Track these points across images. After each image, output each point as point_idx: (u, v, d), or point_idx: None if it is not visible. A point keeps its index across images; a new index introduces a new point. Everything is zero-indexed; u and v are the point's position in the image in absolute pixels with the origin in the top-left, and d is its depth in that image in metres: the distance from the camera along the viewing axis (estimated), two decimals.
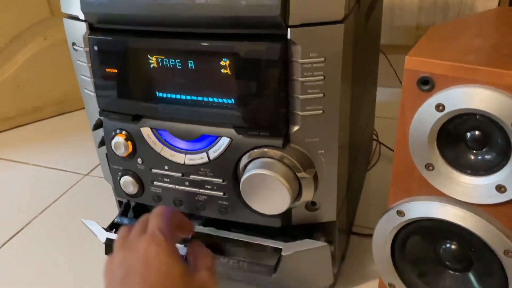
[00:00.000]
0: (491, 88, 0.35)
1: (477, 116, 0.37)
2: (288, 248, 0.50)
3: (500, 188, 0.37)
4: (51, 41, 1.05)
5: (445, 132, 0.39)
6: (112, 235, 0.57)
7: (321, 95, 0.43)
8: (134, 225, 0.47)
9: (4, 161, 0.98)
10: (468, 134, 0.39)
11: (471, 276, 0.45)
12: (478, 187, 0.38)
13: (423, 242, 0.46)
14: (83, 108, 0.56)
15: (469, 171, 0.39)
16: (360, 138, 0.67)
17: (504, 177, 0.37)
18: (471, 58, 0.37)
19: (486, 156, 0.38)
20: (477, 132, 0.38)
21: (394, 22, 1.03)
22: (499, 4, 0.96)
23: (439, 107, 0.38)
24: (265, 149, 0.46)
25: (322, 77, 0.43)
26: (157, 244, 0.40)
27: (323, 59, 0.42)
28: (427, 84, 0.38)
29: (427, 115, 0.39)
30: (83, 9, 0.47)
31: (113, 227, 0.58)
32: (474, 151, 0.39)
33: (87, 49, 0.49)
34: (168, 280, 0.38)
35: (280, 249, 0.50)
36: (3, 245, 0.73)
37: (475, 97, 0.36)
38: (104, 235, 0.57)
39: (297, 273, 0.54)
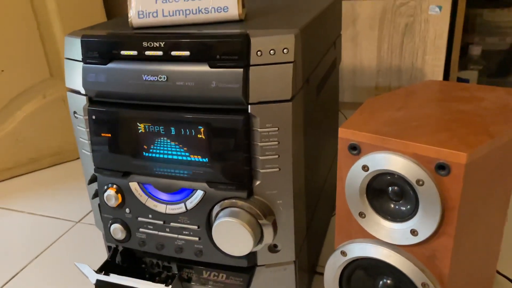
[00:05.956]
0: (399, 154, 0.46)
1: (395, 175, 0.48)
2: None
3: (414, 232, 0.47)
4: (49, 99, 1.15)
5: (372, 187, 0.50)
6: (102, 277, 0.65)
7: (277, 156, 0.54)
8: None
9: (0, 209, 1.06)
10: (390, 189, 0.49)
11: None
12: (397, 231, 0.48)
13: (365, 277, 0.55)
14: (76, 159, 0.65)
15: (389, 217, 0.49)
16: (320, 186, 0.77)
17: (416, 223, 0.47)
18: (387, 130, 0.48)
19: (401, 207, 0.48)
20: (395, 188, 0.49)
21: (355, 82, 1.17)
22: (444, 71, 1.10)
23: (365, 168, 0.48)
24: (233, 200, 0.56)
25: (277, 142, 0.53)
26: None
27: (277, 128, 0.53)
28: (355, 150, 0.49)
29: (357, 174, 0.49)
30: (84, 86, 0.58)
31: (103, 269, 0.66)
32: (394, 202, 0.49)
33: (86, 117, 0.60)
34: None
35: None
36: None
37: (390, 161, 0.46)
38: (94, 277, 0.65)
39: None
